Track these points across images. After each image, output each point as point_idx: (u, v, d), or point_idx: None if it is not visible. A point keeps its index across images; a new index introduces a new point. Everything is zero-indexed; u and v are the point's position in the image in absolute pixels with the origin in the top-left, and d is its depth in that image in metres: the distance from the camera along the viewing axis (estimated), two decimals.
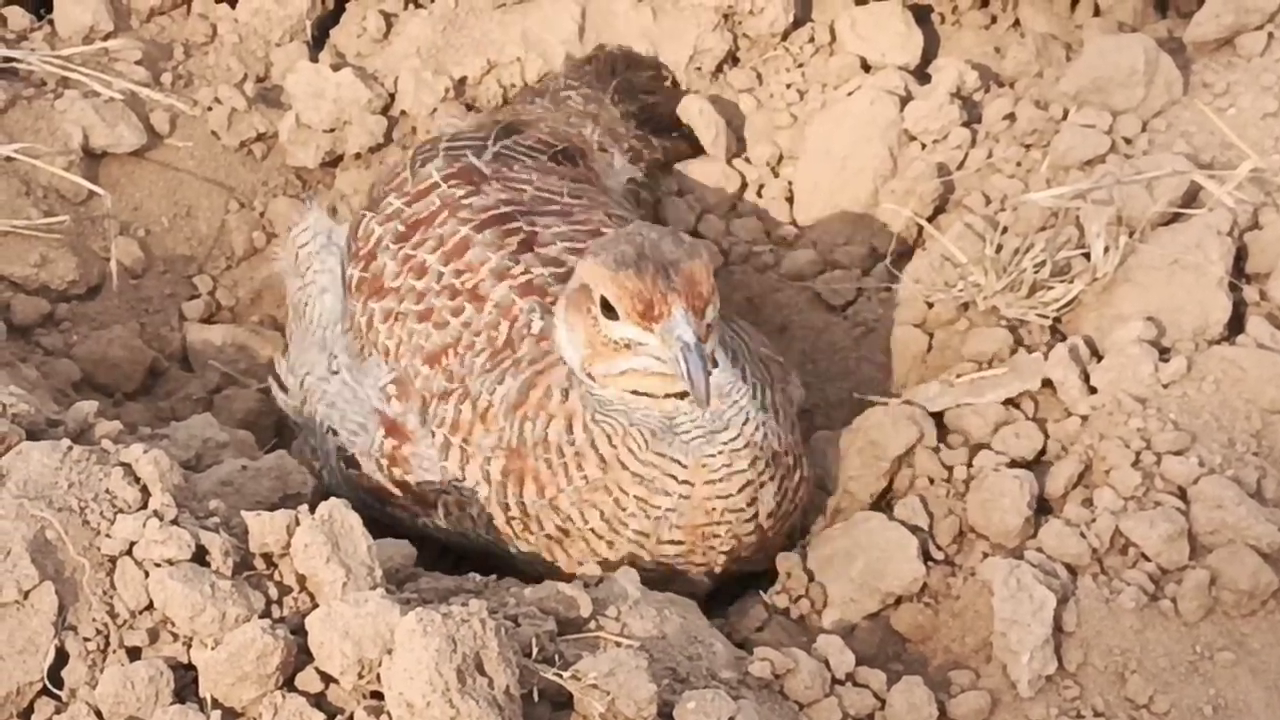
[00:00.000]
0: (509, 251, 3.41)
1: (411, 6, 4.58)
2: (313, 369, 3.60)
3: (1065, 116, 4.03)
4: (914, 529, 3.31)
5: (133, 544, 2.73)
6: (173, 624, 2.70)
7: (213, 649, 2.65)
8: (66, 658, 2.68)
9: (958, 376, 3.58)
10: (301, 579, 2.78)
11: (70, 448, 2.84)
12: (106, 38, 4.36)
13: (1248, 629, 3.15)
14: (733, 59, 4.52)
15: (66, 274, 3.98)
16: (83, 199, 4.11)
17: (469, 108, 4.43)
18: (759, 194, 4.36)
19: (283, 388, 3.69)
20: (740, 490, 3.14)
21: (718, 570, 3.26)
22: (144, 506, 2.79)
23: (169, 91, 4.33)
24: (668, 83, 4.45)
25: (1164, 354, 3.46)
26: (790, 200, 4.32)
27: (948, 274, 3.83)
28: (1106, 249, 3.62)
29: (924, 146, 4.19)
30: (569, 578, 3.14)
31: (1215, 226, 3.61)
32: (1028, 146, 4.06)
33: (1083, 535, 3.19)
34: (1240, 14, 3.97)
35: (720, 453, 3.11)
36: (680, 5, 4.46)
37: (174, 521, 2.76)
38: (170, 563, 2.71)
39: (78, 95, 4.18)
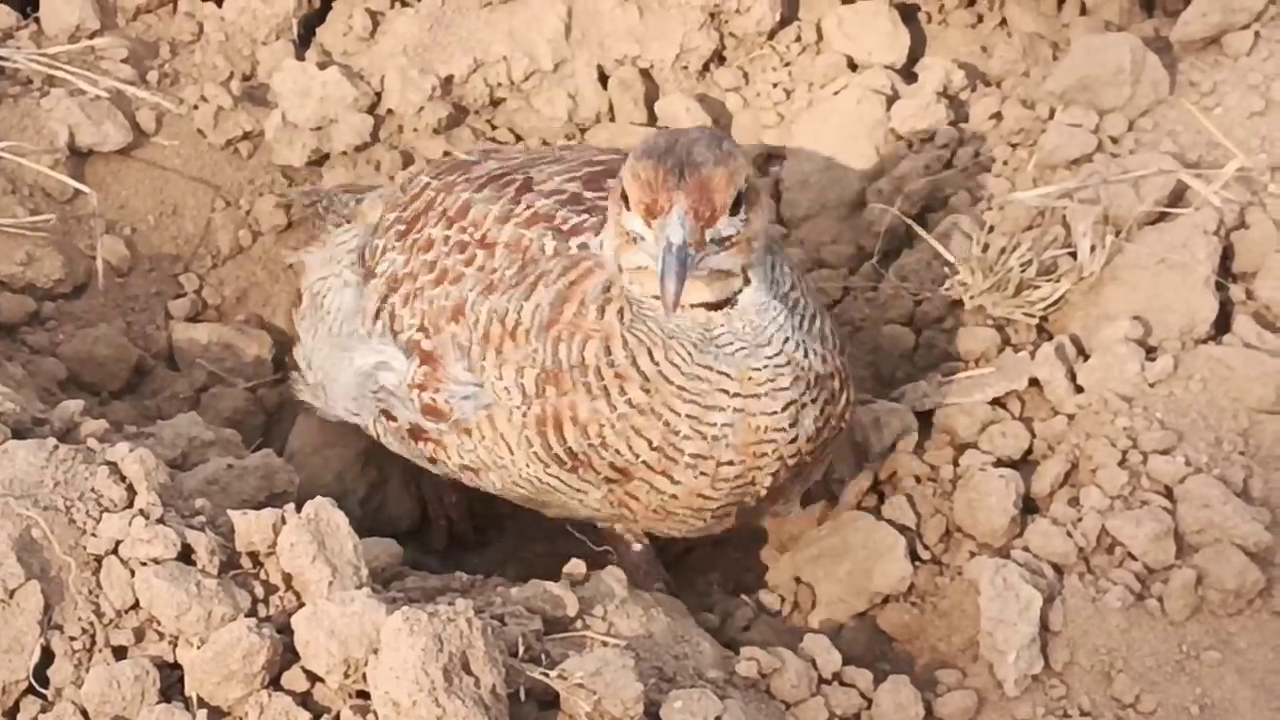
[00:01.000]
0: (508, 198, 3.34)
1: (398, 5, 4.58)
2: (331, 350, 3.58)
3: (1052, 116, 4.04)
4: (902, 528, 3.32)
5: (118, 543, 2.73)
6: (158, 623, 2.70)
7: (198, 648, 2.64)
8: (52, 657, 2.67)
9: (945, 376, 3.58)
10: (287, 578, 2.77)
11: (56, 446, 2.83)
12: (92, 36, 4.35)
13: (1234, 628, 3.15)
14: (719, 58, 4.53)
15: (52, 272, 3.97)
16: (69, 197, 4.10)
17: (456, 106, 4.43)
18: None
19: (299, 371, 3.66)
20: (784, 409, 3.03)
21: (756, 499, 3.14)
22: (130, 505, 2.79)
23: (155, 90, 4.32)
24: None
25: (1150, 353, 3.47)
26: (777, 199, 4.31)
27: (935, 273, 3.84)
28: (1093, 248, 3.62)
29: (911, 146, 4.19)
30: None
31: (1202, 226, 3.61)
32: (1014, 146, 4.06)
33: (1069, 534, 3.19)
34: (1227, 13, 3.98)
35: (765, 367, 3.00)
36: (666, 4, 4.46)
37: (160, 520, 2.76)
38: (156, 561, 2.71)
39: (64, 93, 4.17)
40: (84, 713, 2.63)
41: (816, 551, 3.34)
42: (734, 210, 2.89)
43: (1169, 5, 4.37)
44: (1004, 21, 4.56)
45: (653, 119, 4.46)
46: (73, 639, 2.69)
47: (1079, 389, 3.46)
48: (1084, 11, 4.50)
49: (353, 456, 3.82)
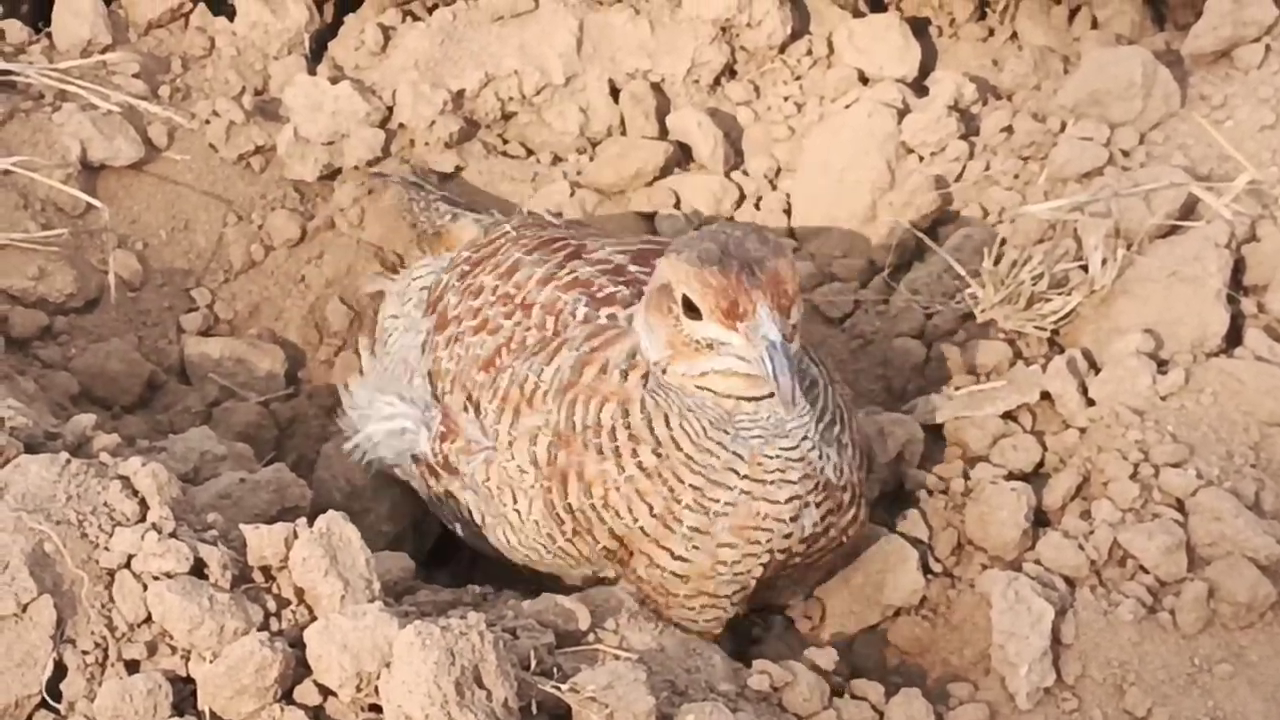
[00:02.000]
0: (555, 262, 3.36)
1: (409, 19, 4.59)
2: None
3: (1063, 129, 4.04)
4: (914, 541, 3.32)
5: (131, 557, 2.73)
6: (171, 637, 2.70)
7: (211, 662, 2.65)
8: (65, 671, 2.68)
9: (956, 389, 3.58)
10: (300, 592, 2.77)
11: (68, 461, 2.84)
12: (104, 51, 4.36)
13: (1246, 641, 3.15)
14: (730, 72, 4.53)
15: (65, 287, 3.98)
16: (81, 212, 4.11)
17: (467, 121, 4.43)
18: (757, 206, 4.36)
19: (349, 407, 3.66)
20: (788, 500, 3.03)
21: (748, 589, 3.14)
22: (142, 519, 2.79)
23: (167, 104, 4.33)
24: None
25: (1162, 366, 3.47)
26: (788, 213, 4.32)
27: (946, 286, 3.84)
28: (1104, 261, 3.62)
29: (922, 159, 4.19)
30: None
31: (1213, 239, 3.61)
32: (1025, 159, 4.06)
33: (1081, 547, 3.19)
34: (1238, 27, 3.98)
35: (777, 456, 3.00)
36: (678, 18, 4.47)
37: (172, 534, 2.76)
38: (168, 575, 2.71)
39: (76, 108, 4.18)
40: None
41: None
42: None
43: (1180, 19, 4.37)
44: (1015, 35, 4.56)
45: (664, 132, 4.46)
46: (85, 653, 2.69)
47: (1090, 402, 3.46)
48: (1095, 25, 4.50)
49: None
